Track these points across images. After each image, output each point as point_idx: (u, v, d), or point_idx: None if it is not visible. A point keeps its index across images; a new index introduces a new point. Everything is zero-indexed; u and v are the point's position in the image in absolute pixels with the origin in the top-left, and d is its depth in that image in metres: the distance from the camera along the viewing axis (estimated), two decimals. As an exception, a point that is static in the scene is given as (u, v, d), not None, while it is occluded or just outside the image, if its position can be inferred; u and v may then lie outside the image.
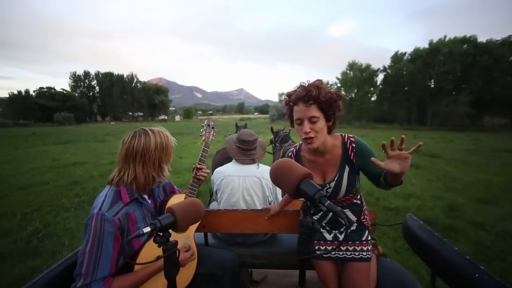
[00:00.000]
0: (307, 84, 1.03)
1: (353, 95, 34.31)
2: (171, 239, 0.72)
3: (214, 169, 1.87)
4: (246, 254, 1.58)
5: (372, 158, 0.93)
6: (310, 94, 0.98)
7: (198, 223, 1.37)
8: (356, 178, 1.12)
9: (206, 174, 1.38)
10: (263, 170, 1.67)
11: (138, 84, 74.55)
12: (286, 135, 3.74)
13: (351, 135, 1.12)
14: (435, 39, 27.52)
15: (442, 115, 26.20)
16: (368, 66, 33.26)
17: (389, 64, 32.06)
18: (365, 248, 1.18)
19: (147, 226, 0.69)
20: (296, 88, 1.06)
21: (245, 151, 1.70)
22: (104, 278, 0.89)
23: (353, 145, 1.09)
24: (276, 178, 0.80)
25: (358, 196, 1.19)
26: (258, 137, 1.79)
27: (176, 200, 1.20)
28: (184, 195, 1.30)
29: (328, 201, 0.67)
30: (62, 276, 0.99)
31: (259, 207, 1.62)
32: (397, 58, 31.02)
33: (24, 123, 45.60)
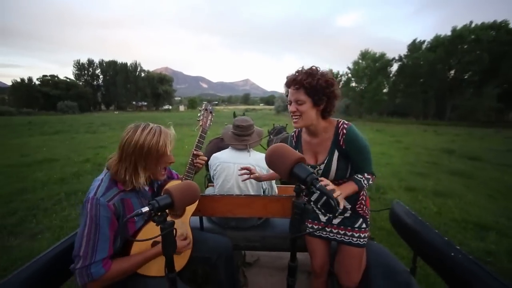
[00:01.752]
0: (302, 70, 1.10)
1: (363, 86, 32.20)
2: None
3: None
4: (240, 238, 1.62)
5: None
6: (298, 79, 1.06)
7: (195, 208, 1.39)
8: (347, 165, 1.14)
9: (203, 162, 1.34)
10: (258, 158, 1.68)
11: (142, 73, 73.12)
12: (282, 128, 3.85)
13: (347, 122, 1.14)
14: (459, 26, 25.04)
15: (463, 109, 23.98)
16: (382, 55, 30.83)
17: (405, 54, 29.67)
18: (362, 235, 1.21)
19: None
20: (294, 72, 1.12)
21: (239, 137, 1.70)
22: (103, 260, 0.91)
23: (344, 131, 1.11)
24: (271, 162, 0.83)
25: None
26: (254, 124, 1.77)
27: (173, 184, 1.19)
28: (180, 181, 1.29)
29: (320, 183, 0.71)
30: (60, 257, 1.01)
31: (252, 194, 1.66)
32: (415, 46, 28.48)
33: (27, 111, 45.12)
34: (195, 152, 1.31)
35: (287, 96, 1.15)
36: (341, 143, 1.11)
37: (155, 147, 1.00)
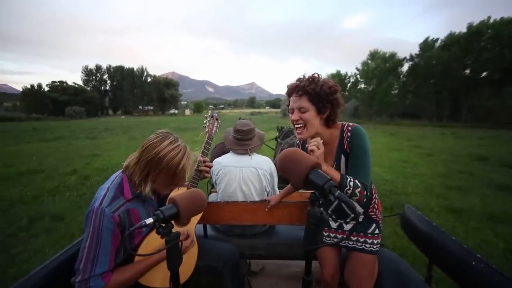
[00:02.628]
0: (303, 77, 1.07)
1: (371, 87, 30.99)
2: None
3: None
4: (245, 246, 1.57)
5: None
6: (301, 86, 1.03)
7: (200, 215, 1.34)
8: None
9: (209, 168, 1.31)
10: (260, 161, 1.65)
11: (149, 78, 73.63)
12: (289, 131, 3.65)
13: (351, 124, 1.09)
14: (475, 23, 23.67)
15: (481, 110, 22.51)
16: (393, 55, 29.53)
17: (417, 53, 28.40)
18: (375, 242, 1.16)
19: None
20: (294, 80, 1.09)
21: (240, 141, 1.68)
22: (103, 274, 0.87)
23: (349, 133, 1.06)
24: (284, 168, 0.78)
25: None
26: (255, 128, 1.75)
27: (178, 192, 1.17)
28: (186, 188, 1.25)
29: (338, 191, 0.66)
30: (63, 267, 0.98)
31: (256, 198, 1.62)
32: (427, 45, 27.11)
33: (36, 117, 45.77)
34: (201, 158, 1.28)
35: (288, 105, 1.11)
36: (345, 146, 1.07)
37: (174, 168, 0.97)
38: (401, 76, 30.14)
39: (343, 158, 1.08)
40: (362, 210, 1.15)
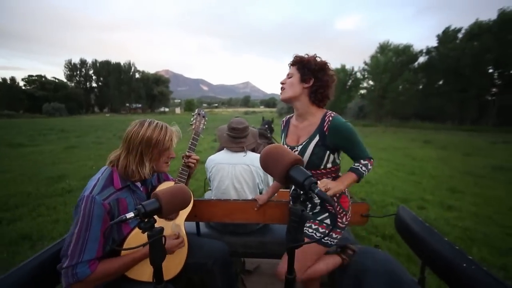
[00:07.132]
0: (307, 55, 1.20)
1: (379, 85, 27.45)
2: (158, 225, 0.71)
3: None
4: (238, 243, 1.58)
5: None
6: (296, 59, 1.19)
7: (189, 211, 1.36)
8: (324, 153, 1.15)
9: (195, 161, 1.33)
10: (252, 158, 1.66)
11: (137, 74, 68.83)
12: (268, 121, 3.59)
13: (334, 113, 1.16)
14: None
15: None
16: (408, 47, 26.08)
17: (435, 45, 25.03)
18: (320, 229, 1.18)
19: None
20: None
21: (235, 139, 1.70)
22: (90, 261, 0.88)
23: (330, 118, 1.13)
24: (266, 164, 0.79)
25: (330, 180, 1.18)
26: (249, 126, 1.78)
27: (164, 187, 1.19)
28: (173, 182, 1.29)
29: (318, 188, 0.66)
30: (50, 261, 0.99)
31: (249, 194, 1.65)
32: (447, 36, 23.69)
33: (9, 113, 40.86)
34: (187, 154, 1.30)
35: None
36: (325, 129, 1.13)
37: (162, 140, 1.03)
38: (418, 71, 26.59)
39: (317, 137, 1.14)
40: (319, 201, 1.19)
